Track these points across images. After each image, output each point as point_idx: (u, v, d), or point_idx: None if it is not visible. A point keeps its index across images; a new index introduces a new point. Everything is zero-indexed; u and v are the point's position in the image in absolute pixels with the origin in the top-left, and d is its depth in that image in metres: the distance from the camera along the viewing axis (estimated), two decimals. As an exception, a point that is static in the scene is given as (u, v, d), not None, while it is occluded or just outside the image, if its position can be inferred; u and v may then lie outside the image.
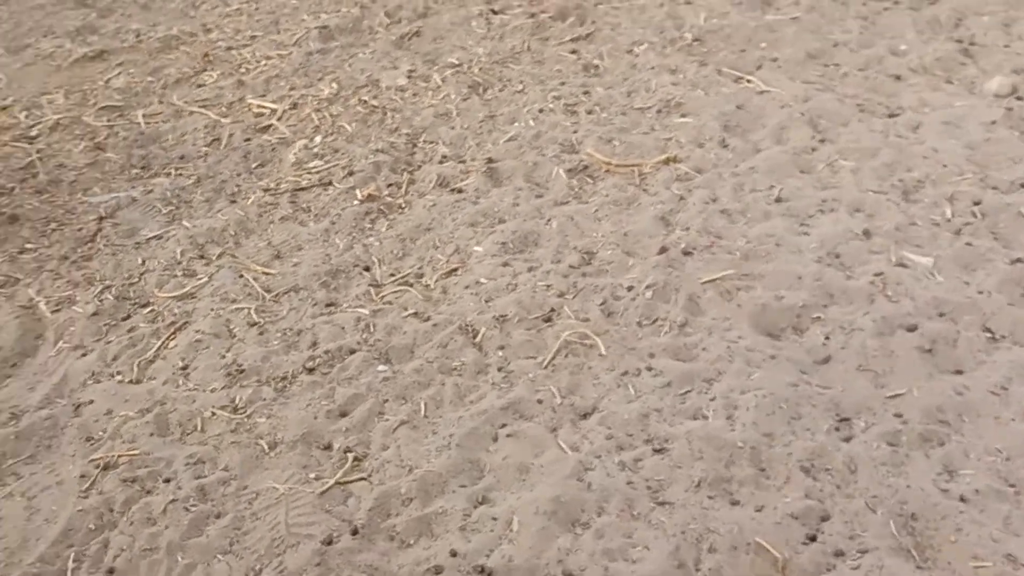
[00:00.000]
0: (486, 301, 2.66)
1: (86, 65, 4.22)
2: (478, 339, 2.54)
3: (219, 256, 2.95)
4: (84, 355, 2.59)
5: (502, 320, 2.59)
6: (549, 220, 2.98)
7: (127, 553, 2.06)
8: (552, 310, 2.62)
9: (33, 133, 3.69)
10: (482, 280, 2.75)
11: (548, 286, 2.70)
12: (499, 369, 2.45)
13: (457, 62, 4.03)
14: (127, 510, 2.15)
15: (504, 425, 2.29)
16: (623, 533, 2.00)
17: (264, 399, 2.42)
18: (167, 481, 2.22)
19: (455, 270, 2.80)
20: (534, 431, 2.27)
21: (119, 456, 2.27)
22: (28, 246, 3.03)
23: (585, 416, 2.31)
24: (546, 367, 2.45)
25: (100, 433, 2.35)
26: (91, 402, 2.44)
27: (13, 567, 2.04)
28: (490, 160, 3.28)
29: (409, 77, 3.95)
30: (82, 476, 2.23)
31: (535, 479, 2.15)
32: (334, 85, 3.91)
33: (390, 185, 3.23)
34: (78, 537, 2.10)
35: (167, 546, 2.06)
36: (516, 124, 3.52)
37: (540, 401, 2.35)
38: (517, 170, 3.22)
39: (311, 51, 4.23)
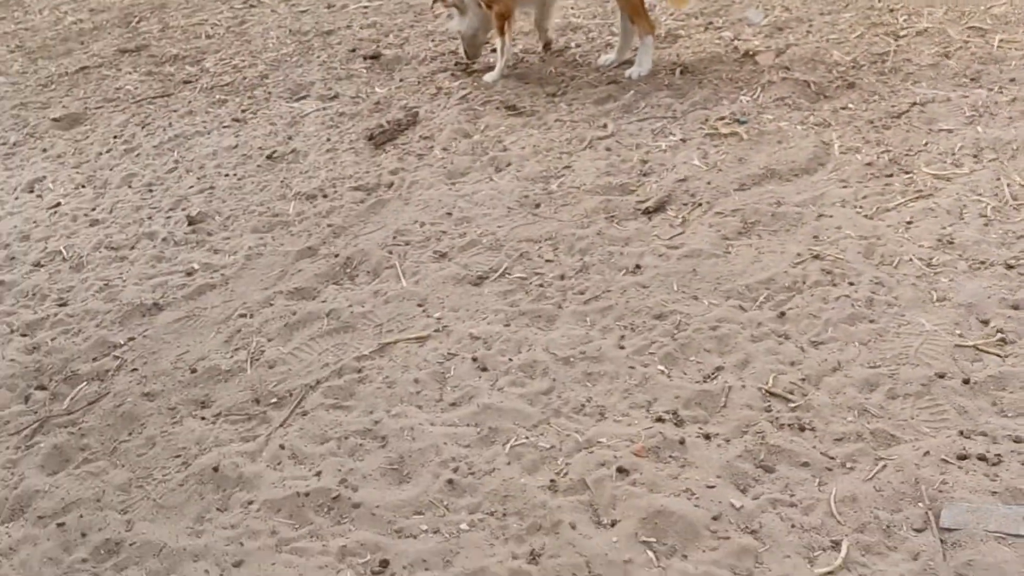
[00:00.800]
0: None
1: (977, -6, 4.65)
2: None
3: (991, 160, 3.24)
4: (844, 187, 3.27)
5: None
6: None
7: (797, 297, 2.75)
8: None
9: (902, 33, 4.37)
10: None
11: None
12: None
13: None
14: (813, 288, 2.82)
15: None
16: None
17: (955, 268, 2.76)
18: (850, 284, 2.80)
19: None
20: None
21: (827, 255, 2.93)
22: (850, 106, 3.79)
23: None
24: None
25: (825, 235, 3.03)
26: (831, 216, 3.13)
27: (727, 284, 2.92)
28: None
29: None
30: (797, 254, 2.97)
31: None
32: None
33: None
34: (774, 287, 2.86)
35: (826, 320, 2.68)
36: None
37: None
38: None
39: None
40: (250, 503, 2.49)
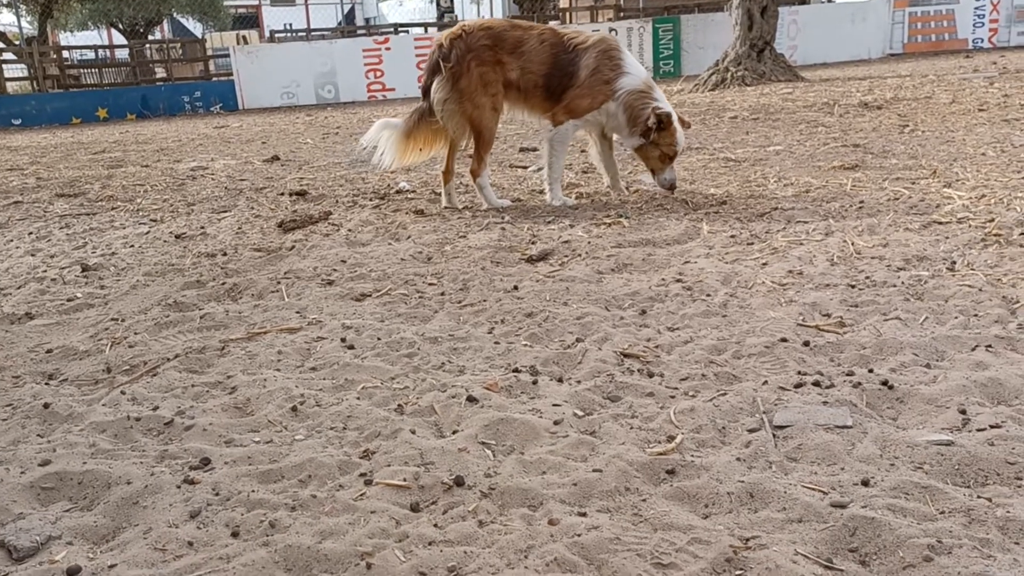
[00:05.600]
0: None
1: (837, 172, 5.32)
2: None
3: (839, 234, 3.57)
4: (709, 249, 3.53)
5: None
6: None
7: (657, 309, 2.86)
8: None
9: (770, 186, 4.92)
10: None
11: None
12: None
13: None
14: (674, 298, 2.96)
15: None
16: None
17: (803, 287, 2.96)
18: (707, 296, 2.95)
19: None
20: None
21: (688, 280, 3.11)
22: (720, 211, 4.18)
23: None
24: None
25: (688, 271, 3.23)
26: (695, 262, 3.35)
27: (596, 295, 3.04)
28: None
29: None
30: (662, 279, 3.14)
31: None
32: (1031, 193, 4.12)
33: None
34: (638, 297, 2.99)
35: (683, 315, 2.79)
36: None
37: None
38: None
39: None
40: (74, 428, 2.33)
